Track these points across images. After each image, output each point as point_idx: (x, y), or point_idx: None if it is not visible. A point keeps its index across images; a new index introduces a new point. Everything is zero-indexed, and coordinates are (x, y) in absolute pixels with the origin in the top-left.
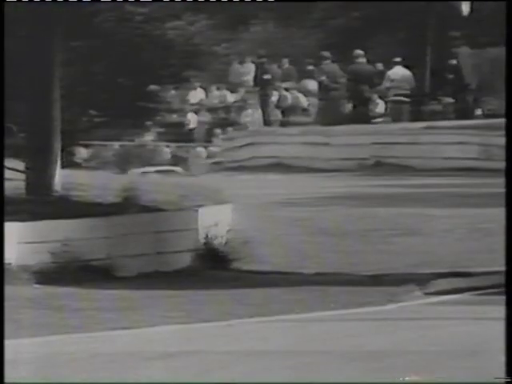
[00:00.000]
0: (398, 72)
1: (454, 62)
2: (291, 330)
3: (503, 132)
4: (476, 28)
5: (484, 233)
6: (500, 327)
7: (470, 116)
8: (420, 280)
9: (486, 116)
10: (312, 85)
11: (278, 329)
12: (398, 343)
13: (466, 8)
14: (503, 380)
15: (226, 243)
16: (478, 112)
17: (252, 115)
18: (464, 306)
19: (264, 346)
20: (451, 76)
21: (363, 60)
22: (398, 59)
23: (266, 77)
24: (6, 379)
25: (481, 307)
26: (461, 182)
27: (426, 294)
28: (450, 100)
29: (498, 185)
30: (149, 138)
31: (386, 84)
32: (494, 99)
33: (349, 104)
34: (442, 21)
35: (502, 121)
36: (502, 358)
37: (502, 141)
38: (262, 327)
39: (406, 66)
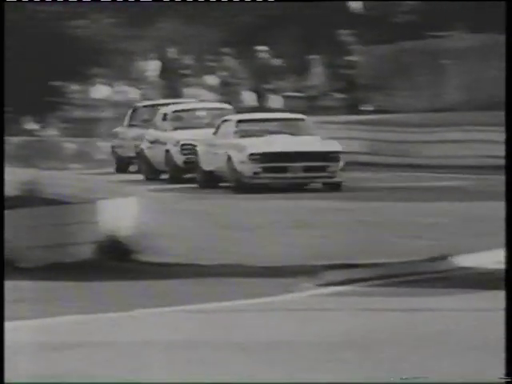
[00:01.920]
0: (318, 70)
1: (348, 58)
2: (192, 320)
3: (390, 127)
4: (368, 26)
5: (371, 225)
6: (386, 317)
7: (360, 111)
8: (312, 271)
9: (374, 112)
10: (213, 80)
11: (178, 319)
12: (289, 334)
13: (357, 5)
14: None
15: (129, 235)
16: (368, 107)
17: None
18: (351, 297)
19: (166, 336)
20: (344, 72)
21: (263, 56)
22: (314, 56)
23: (170, 73)
24: None
25: (367, 298)
26: (351, 176)
27: (318, 285)
28: (342, 96)
29: (386, 179)
30: (52, 132)
31: (312, 82)
32: (382, 95)
33: (248, 98)
34: (335, 18)
35: (389, 116)
36: (386, 350)
37: (389, 136)
38: (164, 318)
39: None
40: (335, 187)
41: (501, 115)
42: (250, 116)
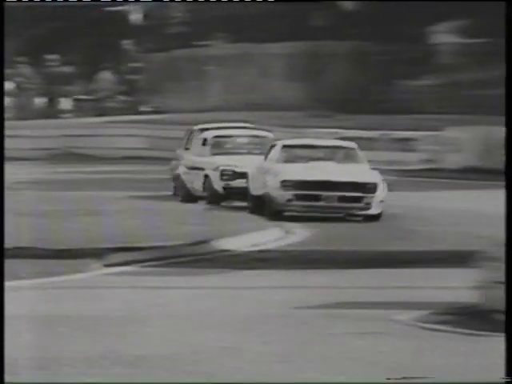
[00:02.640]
0: (105, 75)
1: (131, 65)
2: None
3: (165, 126)
4: (147, 36)
5: (151, 213)
6: (159, 294)
7: (140, 112)
8: (99, 254)
9: (152, 112)
10: (10, 86)
11: None
12: (77, 309)
13: (137, 17)
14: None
15: None
16: (147, 108)
17: None
18: (133, 276)
19: None
20: (128, 77)
21: (55, 63)
22: (102, 64)
23: None
24: None
25: (145, 277)
26: (133, 169)
27: (105, 265)
28: (125, 98)
29: (162, 171)
30: None
31: (99, 86)
32: (158, 98)
33: (41, 101)
34: (120, 29)
35: (164, 116)
36: (157, 323)
37: (164, 133)
38: None
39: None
40: (372, 219)
41: (255, 115)
42: (295, 142)
